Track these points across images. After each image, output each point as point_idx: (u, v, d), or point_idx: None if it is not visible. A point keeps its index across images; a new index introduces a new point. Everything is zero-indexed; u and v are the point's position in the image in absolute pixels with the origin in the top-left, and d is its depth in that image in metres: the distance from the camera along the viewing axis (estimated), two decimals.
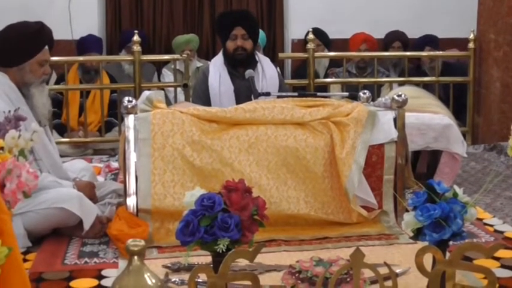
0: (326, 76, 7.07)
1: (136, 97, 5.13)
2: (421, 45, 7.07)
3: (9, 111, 2.66)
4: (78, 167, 4.31)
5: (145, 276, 1.77)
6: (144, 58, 6.32)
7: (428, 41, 7.14)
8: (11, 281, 1.90)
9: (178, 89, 6.34)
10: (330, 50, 7.26)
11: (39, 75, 3.87)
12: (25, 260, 3.39)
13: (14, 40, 3.83)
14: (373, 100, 4.40)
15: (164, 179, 3.75)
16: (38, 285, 3.18)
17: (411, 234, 2.89)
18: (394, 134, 4.01)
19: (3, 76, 3.82)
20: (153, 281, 1.77)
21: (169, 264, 3.33)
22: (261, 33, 5.83)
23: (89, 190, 3.98)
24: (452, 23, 7.50)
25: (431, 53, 6.83)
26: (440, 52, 6.82)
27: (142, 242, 1.79)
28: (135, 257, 1.78)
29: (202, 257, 3.21)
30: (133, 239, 1.79)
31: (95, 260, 3.52)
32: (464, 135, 5.43)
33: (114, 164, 5.36)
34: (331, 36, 7.37)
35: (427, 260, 2.54)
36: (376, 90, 6.41)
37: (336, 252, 3.49)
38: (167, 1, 7.82)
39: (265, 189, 3.80)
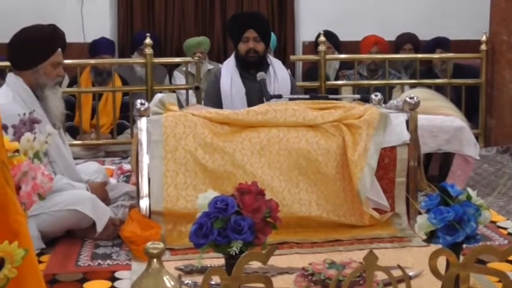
0: (337, 78, 7.05)
1: (148, 99, 5.15)
2: (433, 48, 7.04)
3: (24, 114, 2.68)
4: (91, 169, 4.33)
5: (165, 278, 1.78)
6: (156, 61, 6.33)
7: (440, 43, 7.10)
8: (27, 282, 1.91)
9: (190, 92, 6.34)
10: (340, 53, 7.25)
11: (53, 77, 3.90)
12: (39, 262, 3.40)
13: (28, 43, 3.85)
14: (384, 102, 4.40)
15: (176, 181, 3.76)
16: (51, 287, 3.20)
17: (424, 236, 2.88)
18: (406, 136, 4.01)
19: (17, 79, 3.85)
20: (172, 283, 1.78)
21: (182, 267, 3.34)
22: (272, 36, 5.83)
23: (101, 192, 4.00)
24: (464, 25, 7.47)
25: (443, 55, 6.79)
26: (452, 54, 6.79)
27: (161, 245, 1.79)
28: (154, 260, 1.78)
29: (215, 259, 3.22)
30: (151, 241, 1.80)
31: (108, 261, 3.54)
32: (476, 137, 5.42)
33: (127, 166, 5.37)
34: (342, 38, 7.35)
35: (441, 263, 2.54)
36: (387, 93, 6.39)
37: (348, 254, 3.49)
38: (179, 4, 7.83)
39: (277, 191, 3.80)
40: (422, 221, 2.79)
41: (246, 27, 4.88)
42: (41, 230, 3.66)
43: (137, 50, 7.06)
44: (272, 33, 5.90)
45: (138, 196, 3.79)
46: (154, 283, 1.77)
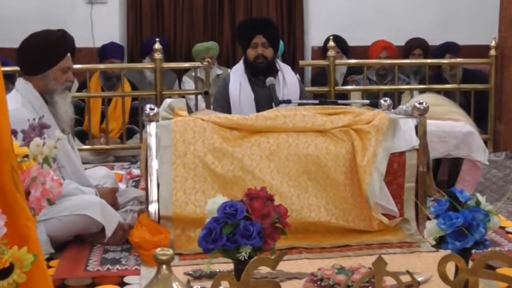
0: (345, 83, 7.05)
1: (157, 104, 5.16)
2: (442, 53, 7.03)
3: (34, 119, 2.68)
4: (100, 174, 4.34)
5: (174, 285, 1.78)
6: (165, 66, 6.35)
7: (449, 48, 7.09)
8: (36, 287, 1.91)
9: (199, 97, 6.36)
10: (348, 58, 7.24)
11: (63, 82, 3.91)
12: (48, 267, 3.39)
13: (37, 48, 3.86)
14: (393, 108, 4.39)
15: (186, 186, 3.76)
16: None
17: (433, 242, 2.88)
18: (415, 141, 4.00)
19: (27, 84, 3.86)
20: None
21: (191, 272, 3.34)
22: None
23: (110, 197, 4.01)
24: (473, 30, 7.46)
25: (452, 60, 6.79)
26: (461, 59, 6.79)
27: (171, 251, 1.80)
28: (164, 266, 1.79)
29: (224, 265, 3.22)
30: (160, 247, 1.80)
31: (117, 266, 3.54)
32: (485, 142, 5.40)
33: (136, 171, 5.38)
34: (351, 43, 7.35)
35: (450, 269, 2.53)
36: (396, 98, 6.39)
37: (357, 260, 3.49)
38: (188, 9, 7.85)
39: (286, 196, 3.80)
40: (432, 227, 2.79)
41: (254, 32, 4.89)
42: (50, 235, 3.67)
43: (148, 55, 7.06)
44: None
45: (147, 201, 3.79)
46: None
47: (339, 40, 7.05)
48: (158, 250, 1.81)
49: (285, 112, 4.01)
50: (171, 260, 1.83)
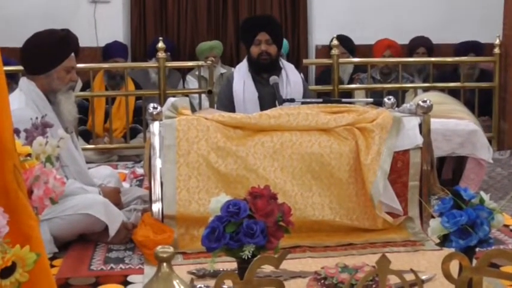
0: (351, 82, 7.04)
1: (161, 104, 5.15)
2: (464, 52, 6.96)
3: (37, 118, 2.68)
4: (103, 173, 4.34)
5: (174, 283, 1.78)
6: (169, 65, 6.35)
7: (473, 47, 7.04)
8: (39, 286, 1.91)
9: (203, 96, 6.36)
10: (354, 57, 7.23)
11: (66, 82, 3.91)
12: (51, 266, 3.40)
13: (41, 47, 3.86)
14: (397, 106, 4.38)
15: (189, 185, 3.76)
16: None
17: (437, 240, 2.87)
18: (419, 140, 3.99)
19: (30, 83, 3.86)
20: (182, 287, 1.78)
21: (194, 271, 3.34)
22: (284, 41, 5.82)
23: (114, 196, 4.01)
24: (477, 29, 7.44)
25: (457, 58, 6.78)
26: (465, 57, 6.77)
27: (171, 249, 1.79)
28: (164, 264, 1.78)
29: (227, 263, 3.21)
30: (161, 245, 1.80)
31: (121, 265, 3.54)
32: (490, 141, 5.39)
33: (139, 170, 5.38)
34: (355, 42, 7.34)
35: (454, 267, 2.53)
36: (400, 96, 6.38)
37: (361, 258, 3.49)
38: (191, 8, 7.85)
39: (289, 195, 3.80)
40: (435, 225, 2.78)
41: (258, 30, 4.90)
42: (54, 234, 3.67)
43: (155, 57, 7.04)
44: (284, 39, 5.90)
45: (150, 200, 3.79)
46: (165, 287, 1.77)
47: (345, 40, 7.03)
48: (159, 248, 1.80)
49: (289, 111, 4.01)
50: (171, 258, 1.82)
